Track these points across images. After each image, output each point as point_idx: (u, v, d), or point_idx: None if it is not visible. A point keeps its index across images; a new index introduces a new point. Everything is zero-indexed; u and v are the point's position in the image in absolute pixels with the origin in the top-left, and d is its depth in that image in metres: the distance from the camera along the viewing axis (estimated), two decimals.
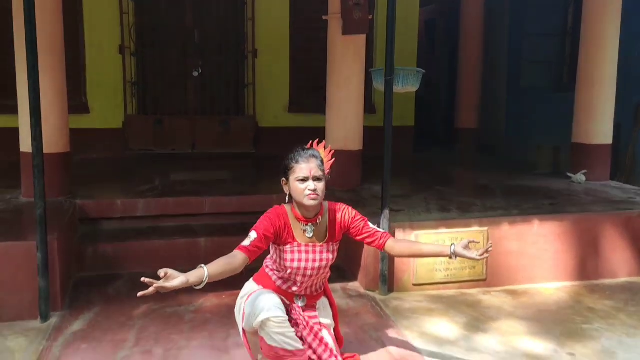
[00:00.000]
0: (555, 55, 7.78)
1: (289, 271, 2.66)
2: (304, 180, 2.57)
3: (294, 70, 7.84)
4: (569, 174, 5.86)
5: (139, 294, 2.11)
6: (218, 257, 2.41)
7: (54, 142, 4.49)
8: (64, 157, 4.66)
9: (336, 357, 2.68)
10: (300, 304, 2.74)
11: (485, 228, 4.18)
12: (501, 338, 3.35)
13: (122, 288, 3.98)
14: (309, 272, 2.67)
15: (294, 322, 2.66)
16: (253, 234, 2.53)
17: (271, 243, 2.65)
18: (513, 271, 4.28)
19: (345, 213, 2.75)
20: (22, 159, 4.49)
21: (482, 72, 8.54)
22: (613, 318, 3.68)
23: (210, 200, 4.86)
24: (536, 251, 4.30)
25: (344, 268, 4.43)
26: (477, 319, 3.62)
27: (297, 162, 2.60)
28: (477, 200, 4.87)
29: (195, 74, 7.38)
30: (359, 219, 2.76)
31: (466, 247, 2.57)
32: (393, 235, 3.97)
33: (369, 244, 2.78)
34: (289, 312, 2.67)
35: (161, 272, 2.12)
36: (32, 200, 3.58)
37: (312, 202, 2.58)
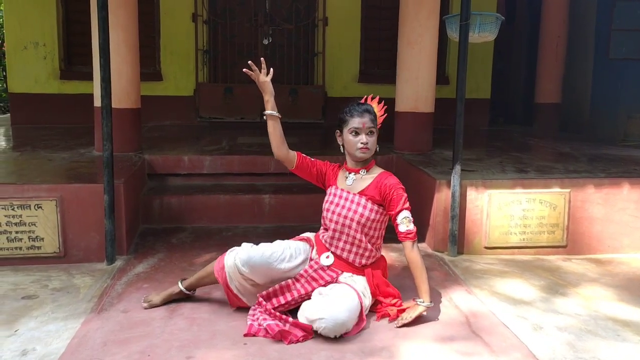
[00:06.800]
0: None
1: (323, 213, 2.79)
2: (357, 133, 2.68)
3: (364, 40, 7.66)
4: None
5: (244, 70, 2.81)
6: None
7: (125, 96, 4.56)
8: (135, 112, 4.72)
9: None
10: (324, 262, 2.71)
11: (567, 190, 3.85)
12: (584, 302, 3.05)
13: (185, 239, 4.00)
14: (335, 218, 2.71)
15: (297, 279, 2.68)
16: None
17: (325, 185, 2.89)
18: (597, 238, 3.92)
19: (391, 183, 2.69)
20: (95, 115, 4.59)
21: (566, 43, 7.98)
22: None
23: (276, 159, 4.77)
24: (626, 218, 3.92)
25: None
26: (556, 283, 3.33)
27: (351, 115, 2.71)
28: (559, 164, 4.52)
29: (266, 42, 7.34)
30: (396, 196, 2.66)
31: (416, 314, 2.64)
32: (465, 193, 3.75)
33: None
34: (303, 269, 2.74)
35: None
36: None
37: (362, 155, 2.70)
